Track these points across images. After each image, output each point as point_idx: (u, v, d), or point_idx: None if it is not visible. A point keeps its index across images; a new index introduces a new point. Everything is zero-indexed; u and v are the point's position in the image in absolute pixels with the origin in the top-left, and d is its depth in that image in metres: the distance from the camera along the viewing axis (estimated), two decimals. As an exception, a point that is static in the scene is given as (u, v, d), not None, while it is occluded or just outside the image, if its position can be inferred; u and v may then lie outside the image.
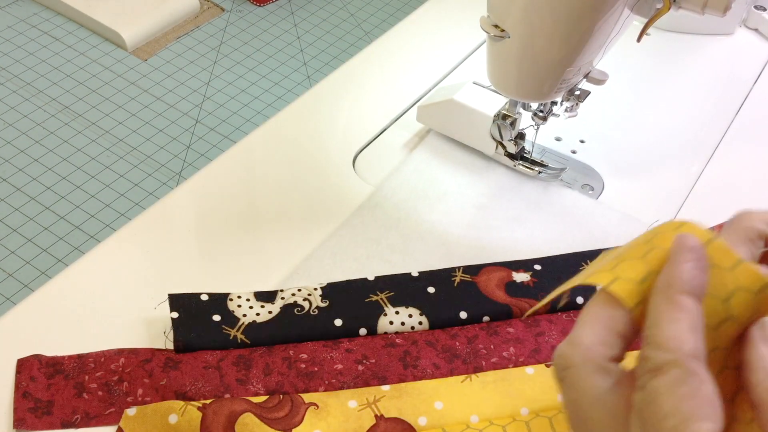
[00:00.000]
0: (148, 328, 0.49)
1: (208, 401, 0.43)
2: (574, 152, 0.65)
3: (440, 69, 0.74)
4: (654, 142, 0.67)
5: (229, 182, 0.60)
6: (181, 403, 0.43)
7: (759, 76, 0.75)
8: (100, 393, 0.44)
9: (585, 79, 0.56)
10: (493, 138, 0.61)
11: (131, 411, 0.43)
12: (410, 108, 0.69)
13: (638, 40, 0.53)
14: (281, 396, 0.44)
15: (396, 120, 0.68)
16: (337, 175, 0.62)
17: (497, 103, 0.60)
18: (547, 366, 0.47)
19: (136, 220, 0.57)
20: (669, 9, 0.50)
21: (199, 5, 2.17)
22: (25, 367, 0.45)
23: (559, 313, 0.51)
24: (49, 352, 0.47)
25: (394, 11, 2.26)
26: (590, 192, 0.62)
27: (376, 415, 0.43)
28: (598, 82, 0.56)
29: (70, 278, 0.52)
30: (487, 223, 0.58)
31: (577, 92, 0.56)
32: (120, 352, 0.46)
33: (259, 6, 2.24)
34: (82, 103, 1.86)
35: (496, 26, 0.50)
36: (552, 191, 0.61)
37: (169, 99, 1.91)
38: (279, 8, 2.25)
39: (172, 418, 0.42)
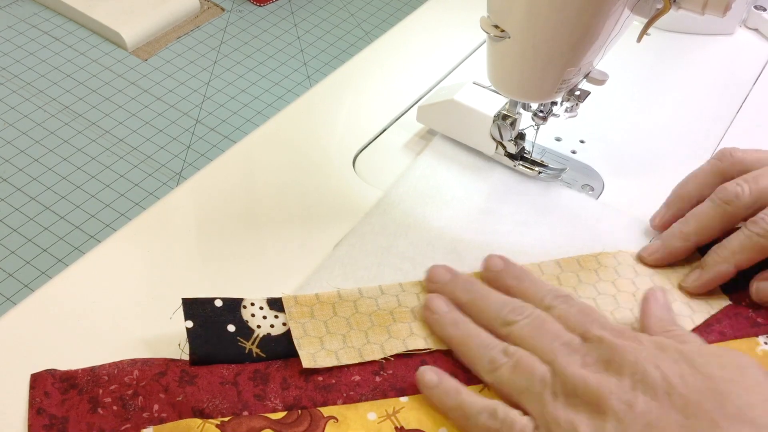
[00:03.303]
0: (155, 334, 0.49)
1: (226, 419, 0.43)
2: (574, 152, 0.66)
3: (440, 69, 0.74)
4: (654, 141, 0.67)
5: (230, 182, 0.60)
6: (199, 421, 0.42)
7: (759, 76, 0.75)
8: (114, 408, 0.43)
9: (585, 80, 0.56)
10: (493, 138, 0.61)
11: (148, 431, 0.42)
12: (410, 108, 0.69)
13: (638, 40, 0.53)
14: (300, 411, 0.44)
15: (396, 120, 0.68)
16: (338, 175, 0.62)
17: (497, 103, 0.60)
18: None
19: (136, 220, 0.57)
20: (669, 9, 0.50)
21: (199, 5, 2.17)
22: (39, 382, 0.44)
23: None
24: (50, 353, 0.47)
25: (394, 11, 2.26)
26: (590, 192, 0.62)
27: (396, 427, 0.43)
28: (598, 82, 0.56)
29: (71, 278, 0.52)
30: (494, 228, 0.57)
31: (577, 92, 0.56)
32: (133, 363, 0.45)
33: (259, 6, 2.24)
34: (82, 103, 1.87)
35: (497, 26, 0.51)
36: (553, 192, 0.61)
37: (169, 99, 1.91)
38: (279, 8, 2.25)
39: None
